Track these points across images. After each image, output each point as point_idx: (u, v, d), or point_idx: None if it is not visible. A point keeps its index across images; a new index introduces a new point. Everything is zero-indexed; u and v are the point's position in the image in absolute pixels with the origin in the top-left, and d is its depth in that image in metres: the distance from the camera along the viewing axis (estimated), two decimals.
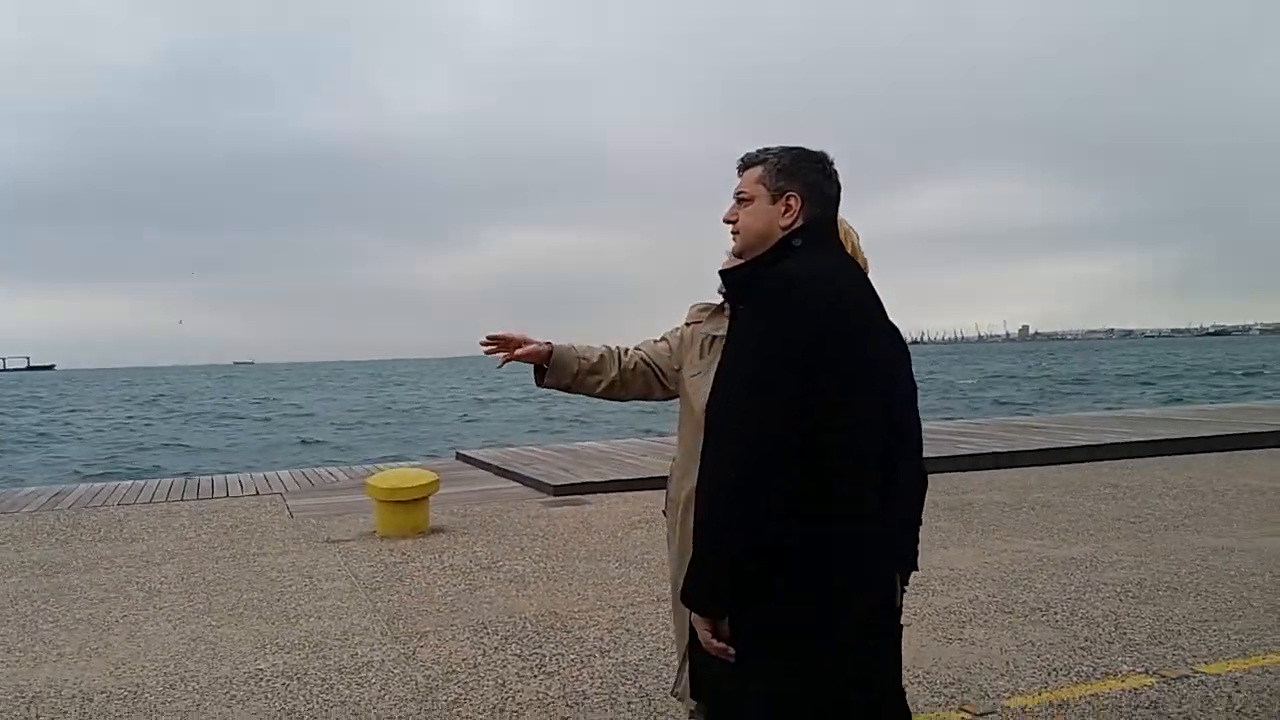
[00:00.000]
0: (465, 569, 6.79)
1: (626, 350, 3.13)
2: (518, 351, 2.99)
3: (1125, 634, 4.82)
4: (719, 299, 3.04)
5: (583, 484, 10.11)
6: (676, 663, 3.05)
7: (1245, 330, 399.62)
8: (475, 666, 4.65)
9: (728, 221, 2.26)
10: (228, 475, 13.47)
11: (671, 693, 3.05)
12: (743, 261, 2.21)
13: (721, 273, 2.29)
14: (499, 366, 3.04)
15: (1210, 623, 5.00)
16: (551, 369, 3.02)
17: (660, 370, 3.07)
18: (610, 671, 4.52)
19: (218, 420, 44.14)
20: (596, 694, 4.23)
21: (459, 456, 14.45)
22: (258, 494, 11.00)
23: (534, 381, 3.07)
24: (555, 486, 10.01)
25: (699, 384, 2.94)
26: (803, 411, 1.86)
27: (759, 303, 1.97)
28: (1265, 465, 10.66)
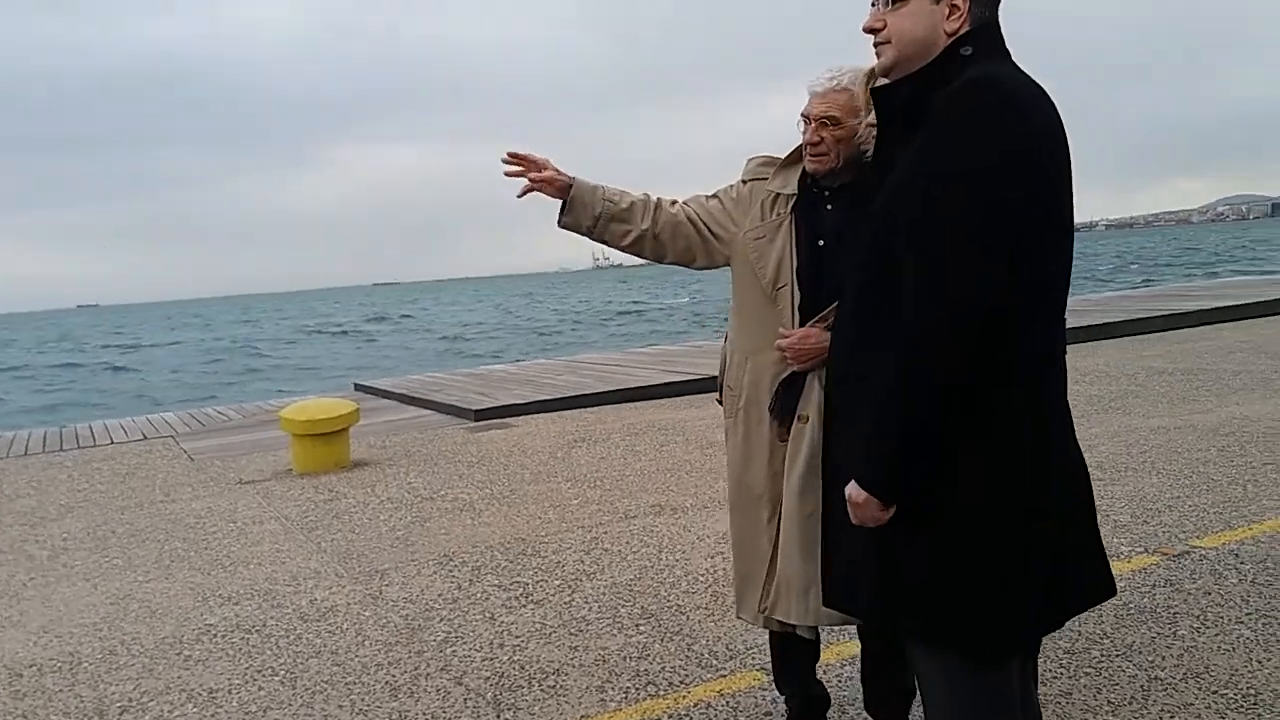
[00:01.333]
0: (406, 501, 6.35)
1: (672, 202, 2.74)
2: (534, 177, 2.59)
3: (1109, 516, 4.80)
4: (781, 154, 2.68)
5: (505, 406, 9.70)
6: (735, 582, 2.76)
7: (1091, 226, 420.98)
8: (454, 601, 4.28)
9: (870, 31, 1.86)
10: (107, 421, 12.48)
11: (748, 614, 2.72)
12: (899, 79, 1.83)
13: (880, 91, 1.87)
14: (519, 195, 2.62)
15: (1184, 498, 5.03)
16: (570, 206, 2.64)
17: (710, 230, 2.71)
18: (604, 594, 4.22)
19: (75, 370, 41.22)
20: (598, 619, 3.93)
21: (358, 388, 13.80)
22: (145, 438, 10.20)
23: (557, 220, 2.68)
24: (477, 411, 9.57)
25: (764, 248, 2.60)
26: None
27: (960, 114, 1.63)
28: (1160, 348, 11.06)
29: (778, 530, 2.60)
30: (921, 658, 1.83)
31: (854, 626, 2.94)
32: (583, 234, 2.68)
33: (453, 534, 5.45)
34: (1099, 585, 1.85)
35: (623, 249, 2.72)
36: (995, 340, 1.59)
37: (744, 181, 2.71)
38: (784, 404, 2.58)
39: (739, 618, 2.77)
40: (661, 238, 2.68)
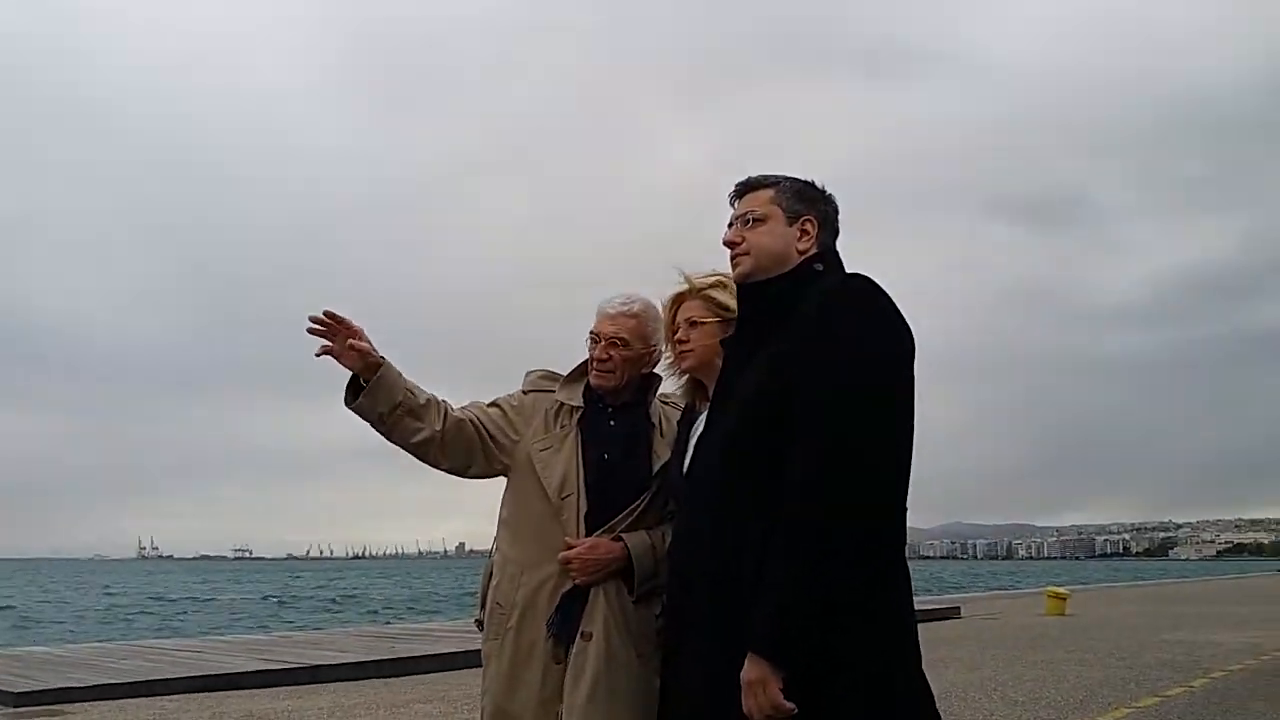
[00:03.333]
0: None
1: (453, 407, 2.60)
2: (351, 343, 2.36)
3: None
4: (559, 372, 2.68)
5: (57, 690, 8.02)
6: None
7: None
8: None
9: (729, 244, 2.03)
10: None
11: None
12: (767, 279, 1.99)
13: (752, 286, 2.01)
14: (317, 355, 2.37)
15: None
16: (374, 387, 2.41)
17: (492, 437, 2.59)
18: None
19: None
20: None
21: None
22: None
23: (344, 399, 2.42)
24: (17, 695, 7.81)
25: (550, 458, 2.53)
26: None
27: (865, 307, 1.76)
28: None
29: None
30: None
31: None
32: (372, 421, 2.46)
33: None
34: None
35: (408, 447, 2.52)
36: (891, 517, 1.68)
37: (525, 392, 2.67)
38: (565, 620, 2.43)
39: None
40: (447, 440, 2.54)
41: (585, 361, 2.65)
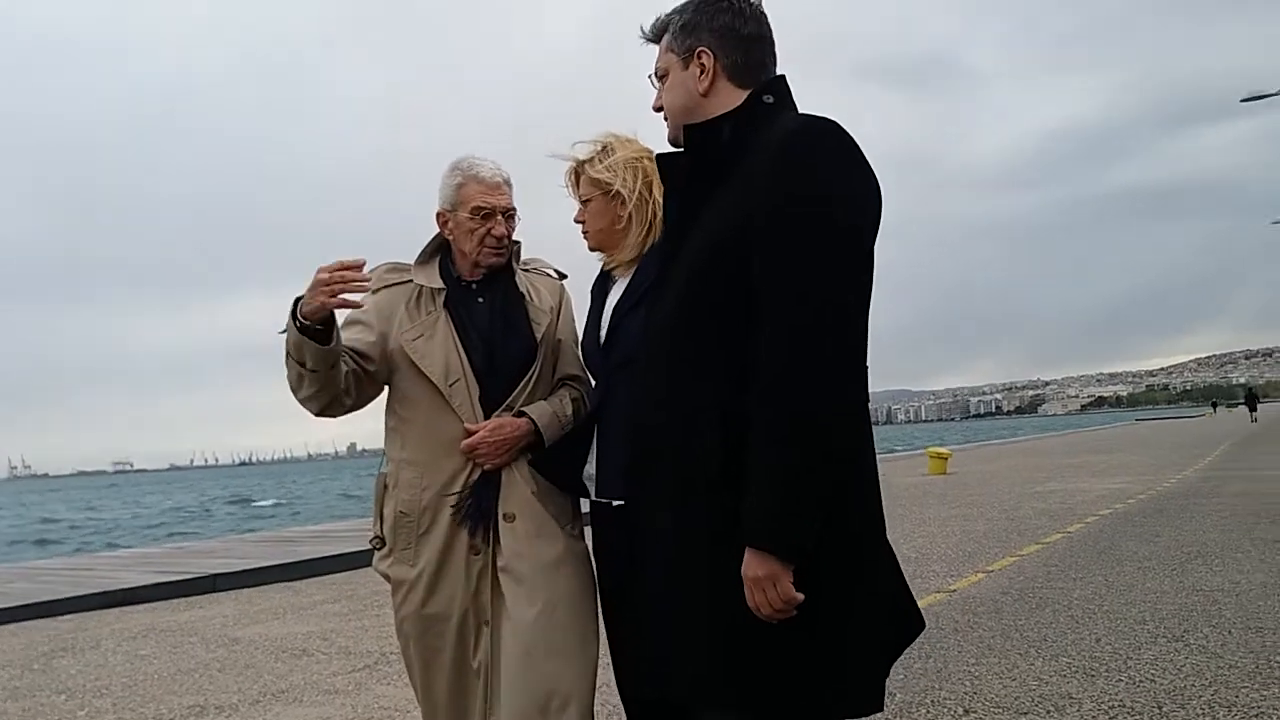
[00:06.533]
0: None
1: None
2: (347, 292, 2.15)
3: None
4: (404, 261, 2.53)
5: None
6: None
7: None
8: None
9: (657, 109, 1.89)
10: None
11: None
12: (712, 120, 1.81)
13: (697, 129, 1.82)
14: (333, 307, 2.17)
15: None
16: (335, 329, 2.24)
17: (368, 358, 2.42)
18: None
19: None
20: None
21: None
22: None
23: (294, 328, 2.20)
24: None
25: (425, 347, 2.39)
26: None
27: (825, 146, 1.65)
28: None
29: (485, 654, 2.33)
30: None
31: None
32: (318, 362, 2.23)
33: None
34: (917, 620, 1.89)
35: (334, 393, 2.34)
36: (863, 387, 1.63)
37: (373, 292, 2.47)
38: (480, 507, 2.35)
39: None
40: (358, 381, 2.41)
41: (434, 242, 2.53)
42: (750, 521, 1.60)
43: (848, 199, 1.66)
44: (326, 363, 2.24)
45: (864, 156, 1.70)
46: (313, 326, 2.17)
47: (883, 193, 1.73)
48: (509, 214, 2.47)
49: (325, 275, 2.11)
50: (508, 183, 2.48)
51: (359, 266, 2.14)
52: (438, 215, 2.49)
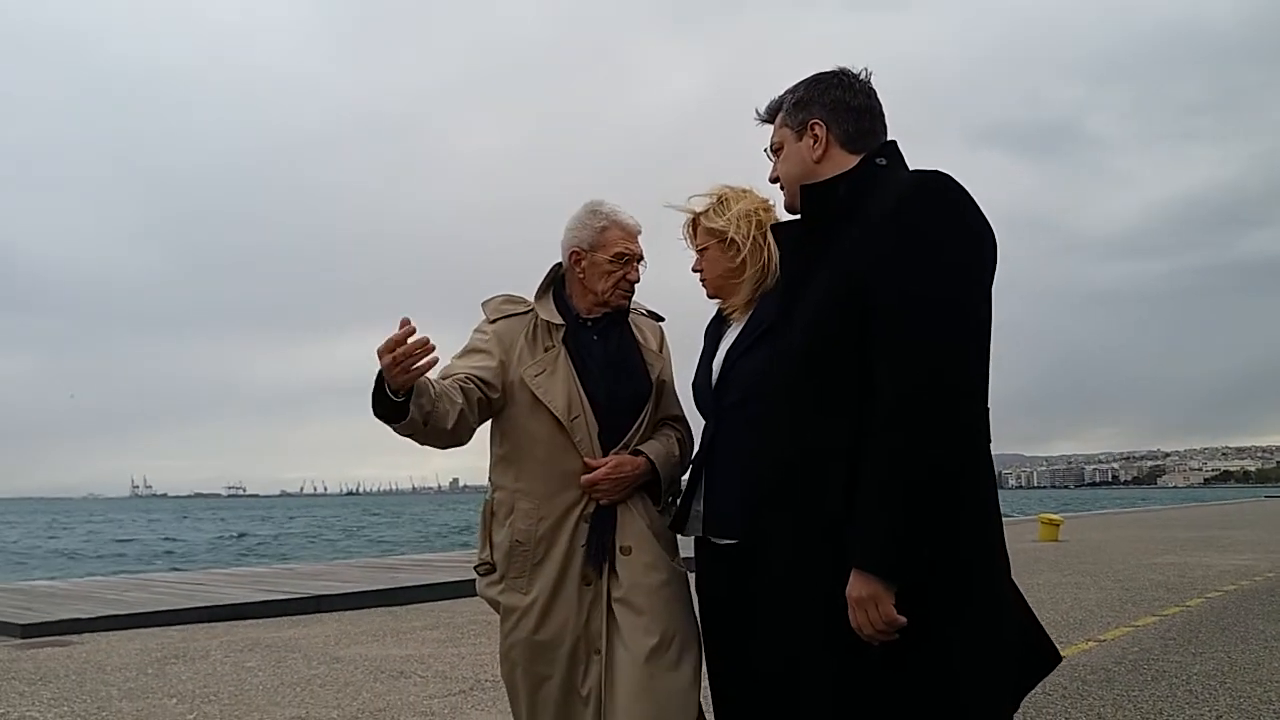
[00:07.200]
0: None
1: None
2: (419, 364, 2.12)
3: None
4: (519, 294, 2.60)
5: (65, 621, 8.05)
6: None
7: None
8: None
9: (774, 180, 2.01)
10: None
11: None
12: (828, 180, 1.90)
13: (814, 189, 1.90)
14: (401, 380, 2.12)
15: None
16: (417, 392, 2.20)
17: (489, 385, 2.46)
18: None
19: None
20: None
21: None
22: None
23: (384, 414, 2.20)
24: (24, 626, 7.84)
25: (548, 383, 2.44)
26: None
27: (941, 205, 1.69)
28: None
29: (595, 681, 2.37)
30: None
31: None
32: (414, 428, 2.25)
33: None
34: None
35: (445, 432, 2.33)
36: (977, 417, 1.64)
37: (491, 321, 2.55)
38: (600, 539, 2.41)
39: None
40: (474, 409, 2.42)
41: (550, 276, 2.59)
42: (853, 542, 1.62)
43: (963, 239, 1.70)
44: (417, 424, 2.23)
45: (976, 204, 1.75)
46: (395, 399, 2.16)
47: (999, 249, 1.75)
48: (641, 260, 2.57)
49: (388, 359, 2.07)
50: (640, 231, 2.60)
51: (408, 334, 2.08)
52: (571, 253, 2.55)
